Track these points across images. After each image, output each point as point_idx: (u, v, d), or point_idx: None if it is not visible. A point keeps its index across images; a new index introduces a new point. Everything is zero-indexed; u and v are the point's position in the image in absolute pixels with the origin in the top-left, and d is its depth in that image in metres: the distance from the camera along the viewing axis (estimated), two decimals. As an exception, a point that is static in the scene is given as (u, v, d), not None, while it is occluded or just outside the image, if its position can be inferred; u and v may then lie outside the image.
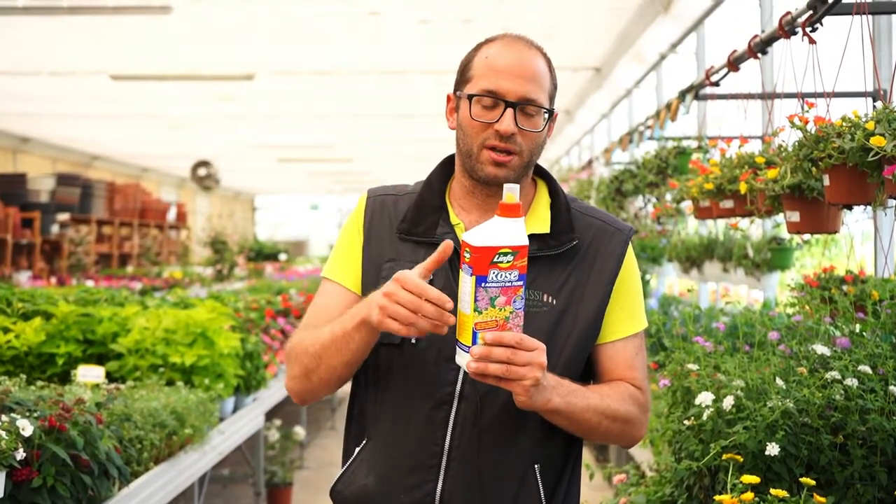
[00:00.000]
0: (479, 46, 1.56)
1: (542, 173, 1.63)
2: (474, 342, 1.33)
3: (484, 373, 1.32)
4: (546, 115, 1.51)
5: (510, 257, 1.32)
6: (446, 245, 1.38)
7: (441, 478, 1.49)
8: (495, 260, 1.31)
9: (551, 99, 1.54)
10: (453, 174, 1.61)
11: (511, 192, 1.34)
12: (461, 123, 1.53)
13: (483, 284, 1.31)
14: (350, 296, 1.57)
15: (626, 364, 1.56)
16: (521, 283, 1.33)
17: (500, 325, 1.34)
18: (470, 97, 1.50)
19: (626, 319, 1.57)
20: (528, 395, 1.35)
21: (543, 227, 1.55)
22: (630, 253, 1.60)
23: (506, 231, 1.33)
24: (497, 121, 1.48)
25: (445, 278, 1.50)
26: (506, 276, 1.32)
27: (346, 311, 1.48)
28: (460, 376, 1.48)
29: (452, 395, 1.49)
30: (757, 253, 4.00)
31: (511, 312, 1.33)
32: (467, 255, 1.33)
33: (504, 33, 1.56)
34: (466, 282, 1.33)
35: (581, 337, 1.53)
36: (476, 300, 1.32)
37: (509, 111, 1.47)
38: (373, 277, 1.56)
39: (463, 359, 1.35)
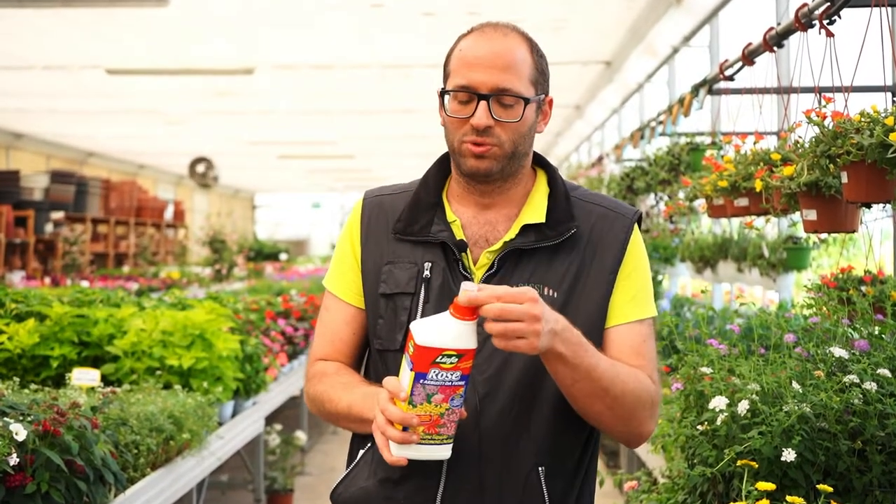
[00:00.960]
0: (458, 39, 1.54)
1: (541, 163, 1.60)
2: (405, 430, 1.33)
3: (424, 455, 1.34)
4: (526, 104, 1.48)
5: (454, 359, 1.30)
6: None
7: (442, 482, 1.47)
8: (438, 360, 1.29)
9: (536, 85, 1.51)
10: (452, 171, 1.59)
11: (468, 291, 1.30)
12: (444, 121, 1.52)
13: (422, 381, 1.30)
14: (350, 310, 1.59)
15: (632, 350, 1.50)
16: (462, 383, 1.32)
17: (433, 420, 1.33)
18: (443, 94, 1.50)
19: (630, 303, 1.51)
20: (532, 347, 1.31)
21: (539, 216, 1.52)
22: (635, 238, 1.55)
23: (455, 332, 1.30)
24: (472, 115, 1.46)
25: (443, 278, 1.49)
26: (446, 376, 1.30)
27: (360, 333, 1.58)
28: None
29: None
30: (772, 252, 3.96)
31: (447, 409, 1.33)
32: (411, 348, 1.31)
33: (483, 23, 1.54)
34: (405, 373, 1.32)
35: (584, 329, 1.45)
36: (412, 394, 1.31)
37: (482, 104, 1.45)
38: (373, 283, 1.55)
39: (398, 449, 1.34)
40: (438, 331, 1.31)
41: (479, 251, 1.53)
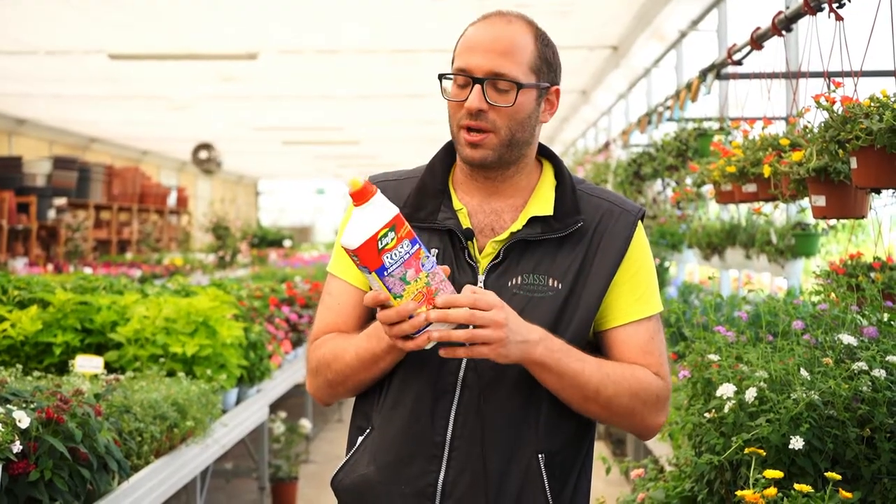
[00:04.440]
0: (468, 26, 1.55)
1: (547, 154, 1.59)
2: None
3: (448, 338, 1.33)
4: (518, 89, 1.47)
5: (392, 234, 1.32)
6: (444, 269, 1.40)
7: (444, 468, 1.48)
8: (380, 246, 1.31)
9: (538, 73, 1.51)
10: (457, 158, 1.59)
11: (353, 180, 1.35)
12: (447, 107, 1.54)
13: (386, 273, 1.32)
14: (356, 292, 1.58)
15: (639, 349, 1.51)
16: (417, 245, 1.33)
17: (427, 294, 1.34)
18: (440, 77, 1.52)
19: (635, 302, 1.53)
20: (499, 355, 1.37)
21: (547, 209, 1.52)
22: (639, 234, 1.55)
23: (370, 215, 1.33)
24: (465, 99, 1.47)
25: (449, 266, 1.48)
26: (399, 252, 1.32)
27: (365, 327, 1.52)
28: (463, 364, 1.46)
29: (455, 383, 1.48)
30: (781, 239, 3.94)
31: (427, 276, 1.33)
32: (356, 259, 1.33)
33: (493, 11, 1.55)
34: (373, 281, 1.33)
35: (580, 321, 1.48)
36: (389, 289, 1.32)
37: (476, 87, 1.47)
38: None
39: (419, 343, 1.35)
40: (356, 226, 1.33)
41: (485, 240, 1.53)
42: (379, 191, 1.35)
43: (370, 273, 1.32)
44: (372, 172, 1.67)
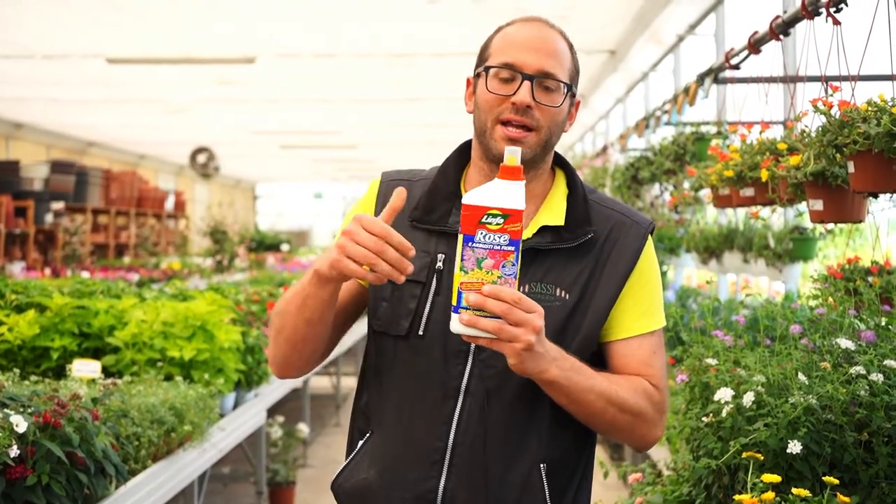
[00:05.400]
0: (498, 28, 1.56)
1: (561, 163, 1.59)
2: (458, 302, 1.30)
3: (475, 325, 1.29)
4: (566, 92, 1.49)
5: (500, 219, 1.30)
6: (399, 192, 1.37)
7: (444, 474, 1.47)
8: (483, 220, 1.30)
9: (572, 81, 1.52)
10: (470, 160, 1.58)
11: (512, 155, 1.33)
12: (477, 100, 1.52)
13: (470, 244, 1.31)
14: (352, 284, 1.56)
15: (641, 362, 1.51)
16: (512, 248, 1.31)
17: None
18: (487, 69, 1.49)
19: (641, 316, 1.53)
20: (519, 360, 1.32)
21: (558, 219, 1.52)
22: (649, 248, 1.55)
23: (501, 193, 1.32)
24: (513, 94, 1.46)
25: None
26: (494, 239, 1.30)
27: (345, 299, 1.53)
28: (466, 370, 1.46)
29: (458, 389, 1.47)
30: (778, 243, 3.94)
31: (499, 277, 1.31)
32: (459, 214, 1.34)
33: (525, 15, 1.56)
34: (458, 241, 1.33)
35: (586, 333, 1.48)
36: (463, 259, 1.31)
37: (526, 83, 1.46)
38: None
39: (454, 323, 1.32)
40: (484, 191, 1.32)
41: None
42: (523, 183, 1.34)
43: (459, 233, 1.32)
44: (371, 176, 1.66)
